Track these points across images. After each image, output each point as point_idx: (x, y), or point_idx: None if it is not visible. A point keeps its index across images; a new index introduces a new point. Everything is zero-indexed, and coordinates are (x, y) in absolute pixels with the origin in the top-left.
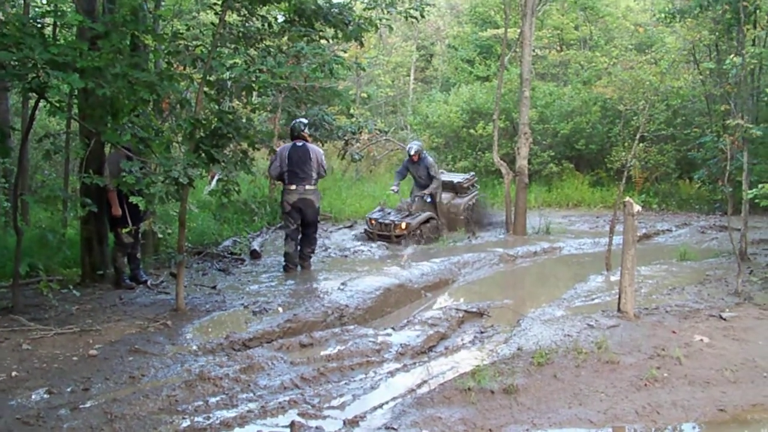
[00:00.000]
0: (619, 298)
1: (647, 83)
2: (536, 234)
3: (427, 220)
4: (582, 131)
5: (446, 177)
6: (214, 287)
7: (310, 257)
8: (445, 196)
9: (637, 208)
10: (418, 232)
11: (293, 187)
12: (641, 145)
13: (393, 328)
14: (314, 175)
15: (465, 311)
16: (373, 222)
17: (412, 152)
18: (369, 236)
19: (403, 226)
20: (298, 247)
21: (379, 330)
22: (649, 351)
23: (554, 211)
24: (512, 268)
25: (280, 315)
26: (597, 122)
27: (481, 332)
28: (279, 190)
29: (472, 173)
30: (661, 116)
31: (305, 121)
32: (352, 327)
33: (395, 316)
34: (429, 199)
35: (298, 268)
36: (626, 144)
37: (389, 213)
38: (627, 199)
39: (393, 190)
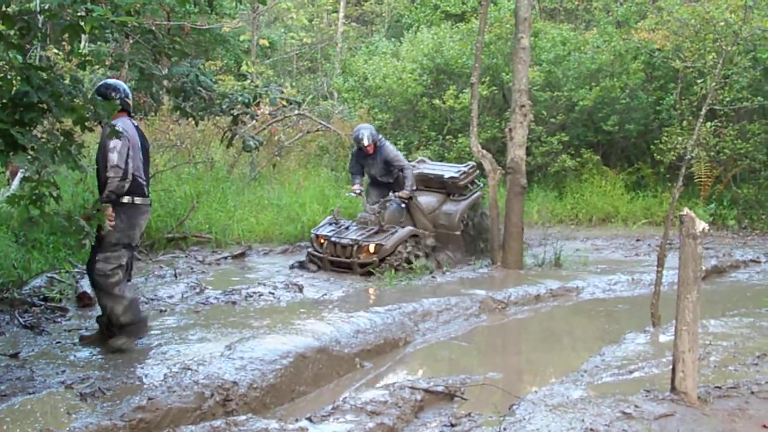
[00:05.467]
0: (674, 370)
1: (721, 24)
2: (539, 267)
3: (408, 239)
4: (614, 103)
5: (431, 169)
6: (15, 355)
7: None
8: (430, 200)
9: (702, 225)
10: (397, 257)
11: (147, 201)
12: (710, 124)
13: (310, 420)
14: None
15: (425, 391)
16: (322, 241)
17: (365, 142)
18: (316, 263)
19: (372, 248)
20: None
21: (287, 422)
22: None
23: (569, 229)
24: (501, 322)
25: (125, 400)
26: (638, 88)
27: (452, 425)
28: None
29: (471, 164)
30: (744, 78)
31: (121, 84)
32: (243, 418)
33: (313, 399)
34: (403, 204)
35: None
36: (686, 123)
37: (347, 228)
38: (686, 210)
39: (355, 191)
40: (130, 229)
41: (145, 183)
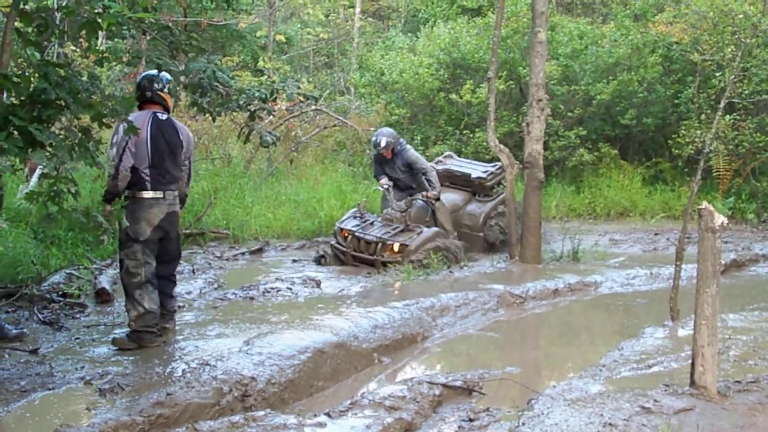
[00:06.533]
0: (693, 364)
1: (740, 17)
2: (557, 261)
3: (432, 239)
4: (632, 96)
5: (458, 166)
6: (34, 351)
7: (175, 313)
8: (454, 198)
9: (721, 219)
10: (421, 257)
11: (158, 194)
12: (728, 117)
13: (328, 415)
14: (184, 172)
15: (444, 386)
16: (346, 235)
17: (382, 145)
18: (339, 257)
19: (397, 248)
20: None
21: (305, 417)
22: None
23: (587, 224)
24: (519, 317)
25: (144, 395)
26: (656, 82)
27: (470, 419)
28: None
29: (499, 164)
30: (763, 71)
31: (166, 76)
32: (262, 413)
33: (332, 394)
34: (419, 203)
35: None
36: (704, 116)
37: (372, 224)
38: (704, 204)
39: (383, 185)
40: (135, 224)
41: (149, 178)
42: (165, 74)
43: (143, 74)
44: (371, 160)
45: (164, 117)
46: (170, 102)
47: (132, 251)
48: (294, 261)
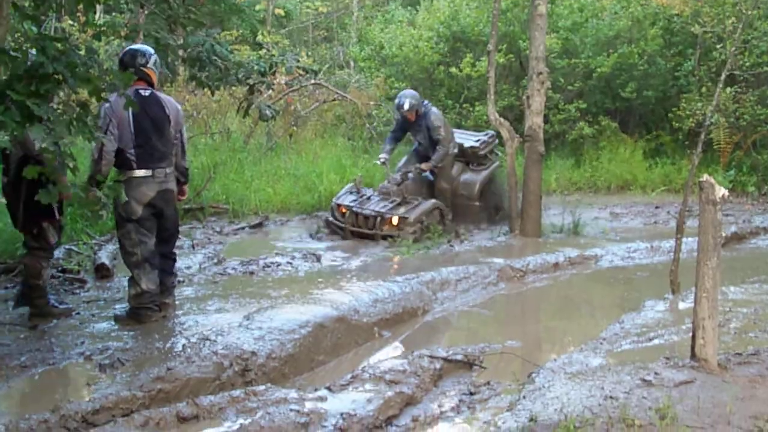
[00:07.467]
0: (694, 337)
1: None
2: (558, 235)
3: (430, 211)
4: (632, 69)
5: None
6: (34, 327)
7: (174, 288)
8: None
9: (721, 191)
10: (419, 228)
11: (147, 172)
12: (729, 90)
13: (329, 389)
14: (172, 148)
15: (444, 359)
16: (344, 211)
17: (405, 107)
18: (335, 231)
19: (395, 220)
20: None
21: (306, 392)
22: (745, 425)
23: (587, 197)
24: (519, 290)
25: (144, 370)
26: (657, 54)
27: (471, 393)
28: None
29: (491, 133)
30: (764, 43)
31: (149, 50)
32: (262, 388)
33: (332, 368)
34: (430, 176)
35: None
36: (705, 89)
37: (369, 198)
38: (705, 177)
39: (380, 160)
40: (127, 203)
41: (134, 158)
42: (147, 48)
43: (125, 49)
44: (370, 134)
45: (147, 93)
46: (154, 77)
47: (126, 231)
48: (311, 234)
